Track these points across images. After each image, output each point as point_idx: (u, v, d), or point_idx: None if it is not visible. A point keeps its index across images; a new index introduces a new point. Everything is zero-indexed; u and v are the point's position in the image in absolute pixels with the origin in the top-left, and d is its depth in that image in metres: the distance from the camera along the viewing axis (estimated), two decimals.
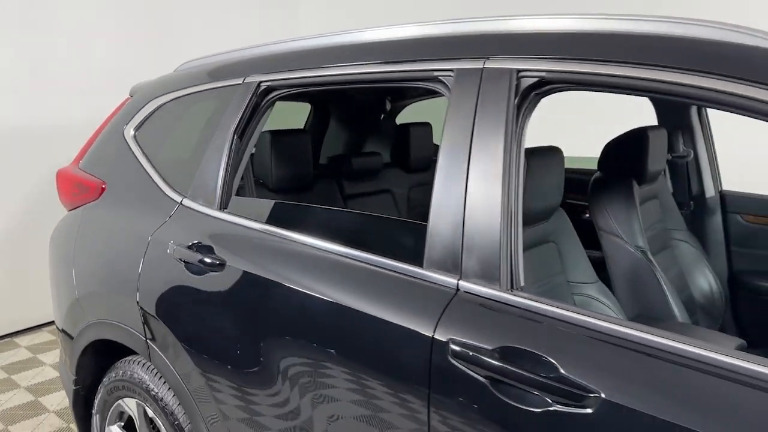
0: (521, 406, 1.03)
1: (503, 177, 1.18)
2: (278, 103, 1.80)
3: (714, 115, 2.13)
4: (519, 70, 1.21)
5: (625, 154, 1.99)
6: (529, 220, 1.55)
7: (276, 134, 2.15)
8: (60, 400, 3.09)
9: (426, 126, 2.88)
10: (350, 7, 4.87)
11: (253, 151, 2.13)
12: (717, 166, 2.28)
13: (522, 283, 1.18)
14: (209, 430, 1.68)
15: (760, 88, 0.94)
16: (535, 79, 1.19)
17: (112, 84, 3.62)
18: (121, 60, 4.01)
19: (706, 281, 2.12)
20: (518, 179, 1.20)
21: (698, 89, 1.00)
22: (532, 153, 1.52)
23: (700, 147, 2.24)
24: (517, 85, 1.21)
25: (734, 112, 0.99)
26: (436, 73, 1.34)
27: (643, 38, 1.11)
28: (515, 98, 1.21)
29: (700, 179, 2.25)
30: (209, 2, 4.57)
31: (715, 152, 2.27)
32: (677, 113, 2.23)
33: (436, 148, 1.76)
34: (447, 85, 1.31)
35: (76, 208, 2.22)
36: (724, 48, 1.02)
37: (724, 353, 0.91)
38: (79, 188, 2.23)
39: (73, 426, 2.45)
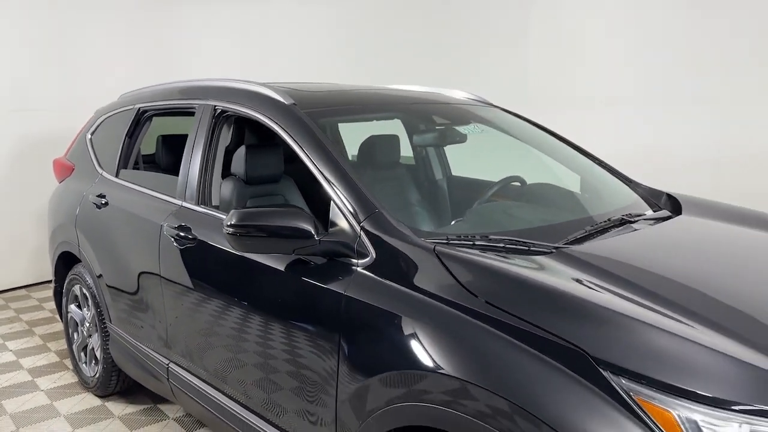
0: (179, 246, 2.44)
1: (203, 155, 2.58)
2: None
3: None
4: (214, 106, 2.61)
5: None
6: (261, 180, 2.90)
7: (164, 137, 3.60)
8: None
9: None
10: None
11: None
12: (445, 158, 3.53)
13: (215, 203, 2.56)
14: (106, 302, 3.13)
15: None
16: (220, 110, 2.59)
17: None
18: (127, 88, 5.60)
19: None
20: (214, 158, 2.58)
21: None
22: (255, 147, 2.89)
23: (431, 150, 3.50)
24: (213, 113, 2.61)
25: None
26: (194, 106, 2.75)
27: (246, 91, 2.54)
28: (213, 120, 2.60)
29: (431, 167, 3.52)
30: (202, 40, 6.13)
31: (443, 149, 3.52)
32: (416, 128, 3.51)
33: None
34: (195, 113, 2.72)
35: (61, 181, 3.76)
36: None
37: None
38: (63, 169, 3.77)
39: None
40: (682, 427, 1.16)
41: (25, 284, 5.53)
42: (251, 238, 1.86)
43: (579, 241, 1.88)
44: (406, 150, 3.22)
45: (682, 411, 1.17)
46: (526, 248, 1.79)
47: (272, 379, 2.05)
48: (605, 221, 2.06)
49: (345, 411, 1.74)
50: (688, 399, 1.18)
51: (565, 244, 1.84)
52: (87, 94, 5.39)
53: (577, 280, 1.56)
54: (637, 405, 1.20)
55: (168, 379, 2.64)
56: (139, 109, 3.21)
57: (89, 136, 3.63)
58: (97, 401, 3.36)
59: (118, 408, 3.28)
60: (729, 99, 4.79)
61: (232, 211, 1.90)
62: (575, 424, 1.24)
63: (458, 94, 3.05)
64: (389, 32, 5.71)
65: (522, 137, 2.90)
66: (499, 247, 1.79)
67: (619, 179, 2.71)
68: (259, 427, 2.12)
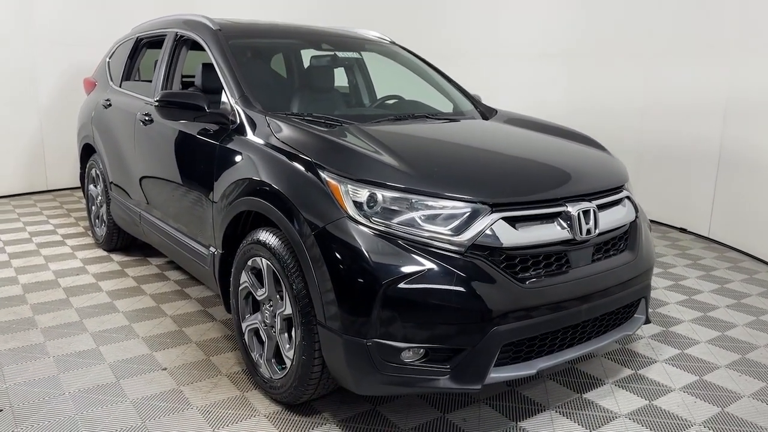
0: (144, 126, 3.59)
1: (166, 68, 3.68)
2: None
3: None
4: (176, 32, 3.70)
5: None
6: (213, 90, 3.95)
7: (156, 61, 4.73)
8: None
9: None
10: None
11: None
12: (373, 86, 4.49)
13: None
14: (108, 177, 4.33)
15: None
16: (179, 35, 3.67)
17: None
18: None
19: None
20: (174, 69, 3.68)
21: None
22: (208, 65, 3.96)
23: (359, 77, 4.47)
24: (175, 38, 3.70)
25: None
26: (165, 33, 3.85)
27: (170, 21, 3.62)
28: (174, 42, 3.69)
29: (361, 95, 4.49)
30: None
31: (371, 79, 4.48)
32: (343, 65, 4.45)
33: None
34: (165, 40, 3.82)
35: (88, 94, 4.98)
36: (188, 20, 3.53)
37: None
38: (89, 85, 4.99)
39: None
40: (341, 191, 2.20)
41: (70, 187, 6.90)
42: (168, 108, 2.96)
43: (377, 124, 2.88)
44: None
45: (342, 185, 2.21)
46: (339, 123, 2.81)
47: (185, 205, 3.19)
48: (409, 115, 3.07)
49: (216, 211, 2.84)
50: (345, 178, 2.22)
51: (367, 123, 2.85)
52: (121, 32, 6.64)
53: (342, 136, 2.58)
54: (325, 182, 2.25)
55: (140, 222, 3.83)
56: (137, 37, 4.34)
57: (108, 60, 4.81)
58: (104, 254, 4.61)
59: (117, 257, 4.52)
60: (652, 53, 5.61)
61: (160, 92, 3.00)
62: (306, 196, 2.30)
63: (371, 34, 4.05)
64: None
65: (413, 69, 3.89)
66: (320, 121, 2.82)
67: (467, 98, 3.68)
68: (181, 239, 3.27)
